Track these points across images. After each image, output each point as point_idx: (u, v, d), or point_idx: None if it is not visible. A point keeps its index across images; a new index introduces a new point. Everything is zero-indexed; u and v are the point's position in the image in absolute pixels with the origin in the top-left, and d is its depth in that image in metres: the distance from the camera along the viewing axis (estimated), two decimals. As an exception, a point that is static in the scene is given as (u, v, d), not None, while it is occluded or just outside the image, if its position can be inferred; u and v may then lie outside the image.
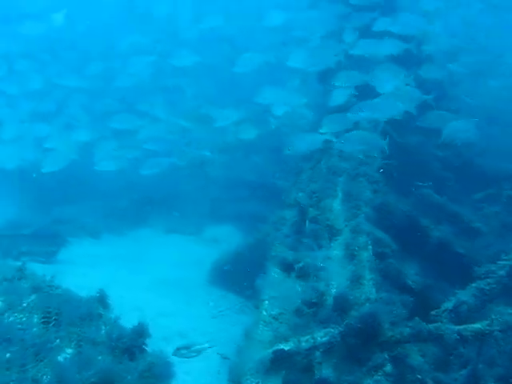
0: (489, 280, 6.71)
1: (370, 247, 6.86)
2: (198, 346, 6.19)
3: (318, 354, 5.71)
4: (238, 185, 12.79)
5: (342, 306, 6.05)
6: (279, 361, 5.67)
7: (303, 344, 5.70)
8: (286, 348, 5.67)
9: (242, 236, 11.15)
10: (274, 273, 6.52)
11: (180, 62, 12.00)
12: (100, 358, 5.08)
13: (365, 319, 5.63)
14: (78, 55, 14.32)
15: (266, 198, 11.30)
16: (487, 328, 5.95)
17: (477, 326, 6.00)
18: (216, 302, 9.58)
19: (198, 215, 12.52)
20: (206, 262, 10.55)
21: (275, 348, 5.67)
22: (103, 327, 5.45)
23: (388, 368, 5.96)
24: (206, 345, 6.17)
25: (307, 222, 7.22)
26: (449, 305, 6.60)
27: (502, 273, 6.73)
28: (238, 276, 9.68)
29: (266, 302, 6.18)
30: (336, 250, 6.96)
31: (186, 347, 6.11)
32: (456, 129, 8.23)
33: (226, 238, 11.45)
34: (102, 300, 5.69)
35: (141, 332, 5.23)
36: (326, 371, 5.75)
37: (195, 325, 8.70)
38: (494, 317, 6.06)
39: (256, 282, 6.57)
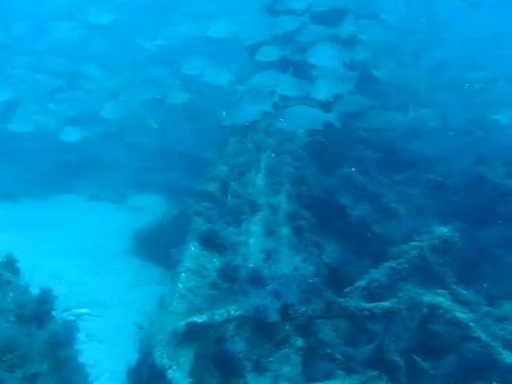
0: (401, 260, 6.92)
1: (289, 224, 6.94)
2: (77, 310, 6.13)
3: (231, 327, 5.75)
4: (167, 154, 12.61)
5: (258, 280, 6.10)
6: (192, 333, 5.67)
7: (217, 317, 5.72)
8: (200, 320, 5.68)
9: (167, 206, 11.03)
10: (193, 246, 6.48)
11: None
12: (7, 325, 4.95)
13: (277, 294, 5.72)
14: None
15: (194, 169, 11.21)
16: (395, 306, 6.18)
17: (386, 303, 6.22)
18: (136, 271, 9.48)
19: (124, 183, 12.26)
20: (128, 231, 10.41)
21: (189, 320, 5.67)
22: (11, 294, 5.28)
23: (299, 342, 6.11)
24: (85, 310, 6.10)
25: (229, 196, 7.21)
26: (362, 283, 6.79)
27: (413, 253, 6.96)
28: (161, 246, 9.60)
29: (183, 274, 6.16)
30: (256, 226, 7.00)
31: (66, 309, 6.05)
32: (423, 117, 8.50)
33: (151, 208, 11.29)
34: (10, 266, 5.48)
35: (48, 299, 5.09)
36: (238, 344, 5.82)
37: (112, 294, 8.60)
38: (401, 295, 6.31)
39: (173, 254, 6.51)
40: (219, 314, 5.75)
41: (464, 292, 7.04)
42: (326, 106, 8.11)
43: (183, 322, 5.64)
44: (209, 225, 6.71)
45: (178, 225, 9.03)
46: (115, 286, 8.80)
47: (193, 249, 6.43)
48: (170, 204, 10.95)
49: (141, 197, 11.99)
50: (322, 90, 8.00)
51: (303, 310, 6.02)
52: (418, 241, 7.05)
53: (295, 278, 6.20)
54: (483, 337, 5.95)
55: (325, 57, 8.54)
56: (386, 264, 6.92)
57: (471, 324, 6.06)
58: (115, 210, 11.52)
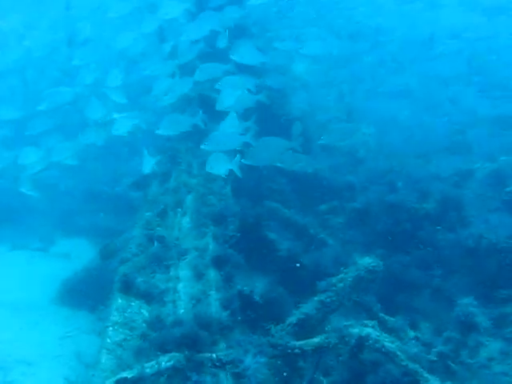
0: (329, 293, 7.05)
1: (217, 266, 6.94)
2: None
3: (162, 379, 5.66)
4: (92, 196, 12.36)
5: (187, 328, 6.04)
6: (123, 389, 5.54)
7: (147, 370, 5.61)
8: (130, 375, 5.55)
9: (95, 251, 10.77)
10: (120, 298, 6.36)
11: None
12: None
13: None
14: None
15: (121, 210, 11.05)
16: (325, 341, 6.28)
17: (316, 339, 6.30)
18: (65, 322, 9.17)
19: (48, 228, 11.90)
20: (54, 280, 10.08)
21: (118, 377, 5.53)
22: None
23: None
24: None
25: (155, 241, 7.14)
26: (293, 319, 6.86)
27: (340, 285, 7.10)
28: (90, 294, 9.37)
29: (110, 328, 6.02)
30: (184, 270, 6.96)
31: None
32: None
33: (78, 254, 11.00)
34: None
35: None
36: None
37: (40, 349, 8.28)
38: (330, 329, 6.42)
39: (99, 309, 6.37)
40: (150, 367, 5.65)
41: (391, 319, 7.26)
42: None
43: (112, 379, 5.49)
44: (135, 274, 6.60)
45: (108, 270, 8.83)
46: (43, 340, 8.47)
47: (119, 301, 6.31)
48: (97, 248, 10.70)
49: (67, 242, 11.65)
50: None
51: (235, 354, 6.00)
52: (344, 273, 7.21)
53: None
54: (411, 365, 6.12)
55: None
56: (315, 298, 7.03)
57: (398, 353, 6.23)
58: (40, 259, 11.12)
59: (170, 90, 8.62)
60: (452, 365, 6.65)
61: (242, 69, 8.93)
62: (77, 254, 10.98)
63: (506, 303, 7.29)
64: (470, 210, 9.07)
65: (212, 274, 6.86)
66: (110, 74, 10.12)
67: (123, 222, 10.41)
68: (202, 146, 7.57)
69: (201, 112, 8.20)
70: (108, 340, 5.90)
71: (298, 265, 8.42)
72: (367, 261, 7.20)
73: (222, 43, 8.97)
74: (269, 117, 9.05)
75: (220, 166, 7.18)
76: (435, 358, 6.70)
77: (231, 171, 7.33)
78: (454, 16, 14.54)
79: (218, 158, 7.25)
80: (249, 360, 5.86)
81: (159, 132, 8.02)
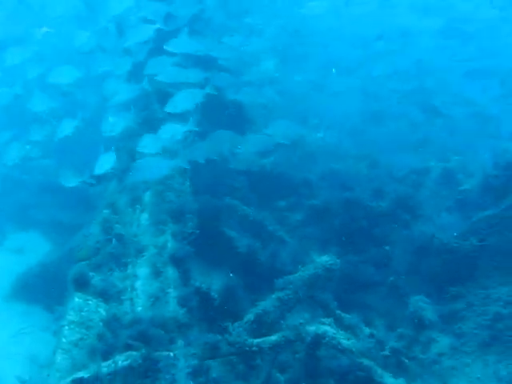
0: (287, 291, 7.14)
1: (175, 263, 6.93)
2: None
3: (119, 378, 5.63)
4: (50, 189, 12.10)
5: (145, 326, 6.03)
6: (78, 389, 5.50)
7: (104, 369, 5.59)
8: (86, 375, 5.52)
9: (50, 246, 10.60)
10: (76, 297, 6.29)
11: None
12: None
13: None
14: None
15: (80, 206, 10.86)
16: (282, 339, 6.37)
17: (273, 337, 6.39)
18: (19, 318, 9.00)
19: (2, 222, 11.60)
20: (9, 275, 9.86)
21: (74, 376, 5.49)
22: None
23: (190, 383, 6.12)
24: None
25: (113, 239, 7.07)
26: (250, 316, 6.92)
27: (298, 283, 7.20)
28: (46, 290, 9.22)
29: (66, 327, 5.95)
30: (142, 268, 6.92)
31: None
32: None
33: (33, 248, 10.77)
34: None
35: None
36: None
37: (-7, 347, 8.12)
38: (288, 327, 6.52)
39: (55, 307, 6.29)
40: (106, 366, 5.62)
41: (347, 316, 7.40)
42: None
43: (68, 380, 5.45)
44: (93, 272, 6.54)
45: (63, 266, 8.69)
46: (-5, 337, 8.31)
47: (76, 299, 6.24)
48: (53, 243, 10.52)
49: (21, 236, 11.37)
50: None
51: (193, 351, 6.04)
52: (302, 270, 7.31)
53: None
54: (365, 361, 6.28)
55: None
56: (273, 296, 7.11)
57: (354, 350, 6.38)
58: (-8, 253, 10.86)
59: (118, 93, 8.53)
60: (405, 360, 6.85)
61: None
62: (31, 249, 10.73)
63: (456, 300, 7.52)
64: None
65: (170, 272, 6.85)
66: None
67: (79, 217, 10.30)
68: (128, 178, 7.52)
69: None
70: (64, 339, 5.84)
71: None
72: (325, 259, 7.31)
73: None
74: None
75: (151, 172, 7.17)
76: (389, 354, 6.88)
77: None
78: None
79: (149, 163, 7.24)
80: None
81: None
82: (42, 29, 11.07)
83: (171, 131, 7.58)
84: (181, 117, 8.17)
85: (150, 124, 8.37)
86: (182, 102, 8.03)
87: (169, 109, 7.95)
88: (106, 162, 7.37)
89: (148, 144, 7.44)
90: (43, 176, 12.10)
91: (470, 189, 9.28)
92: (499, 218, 7.76)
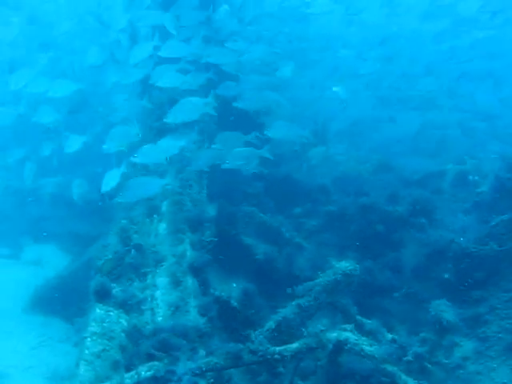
0: (307, 297, 7.08)
1: (194, 272, 6.92)
2: None
3: (142, 389, 5.61)
4: (64, 202, 12.14)
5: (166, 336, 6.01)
6: (102, 401, 5.49)
7: (127, 381, 5.57)
8: (109, 387, 5.50)
9: (68, 258, 10.63)
10: (98, 308, 6.28)
11: None
12: None
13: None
14: None
15: (94, 218, 10.88)
16: (303, 346, 6.32)
17: (295, 345, 6.34)
18: (38, 331, 9.02)
19: (18, 235, 11.66)
20: (27, 288, 9.89)
21: (97, 388, 5.47)
22: None
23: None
24: None
25: (132, 249, 7.08)
26: (271, 324, 6.88)
27: (318, 289, 7.15)
28: (64, 301, 9.25)
29: (88, 339, 5.94)
30: (161, 277, 6.91)
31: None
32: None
33: (51, 260, 10.81)
34: None
35: None
36: (151, 405, 5.69)
37: (13, 359, 8.12)
38: (309, 334, 6.47)
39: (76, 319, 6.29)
40: (129, 377, 5.60)
41: (368, 322, 7.34)
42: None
43: (92, 391, 5.44)
44: (113, 284, 6.54)
45: (81, 277, 8.70)
46: (15, 350, 8.31)
47: (98, 311, 6.23)
48: (71, 255, 10.56)
49: (38, 248, 11.42)
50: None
51: (215, 361, 6.00)
52: (321, 277, 7.25)
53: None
54: (388, 367, 6.22)
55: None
56: (293, 302, 7.06)
57: (376, 355, 6.32)
58: (11, 266, 10.89)
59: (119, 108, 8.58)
60: (428, 365, 6.77)
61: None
62: (49, 261, 10.77)
63: (479, 304, 7.44)
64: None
65: (190, 281, 6.83)
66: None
67: (95, 228, 10.32)
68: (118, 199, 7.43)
69: None
70: (86, 351, 5.82)
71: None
72: (344, 264, 7.26)
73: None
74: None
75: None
76: (412, 359, 6.81)
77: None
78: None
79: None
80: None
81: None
82: (48, 53, 11.20)
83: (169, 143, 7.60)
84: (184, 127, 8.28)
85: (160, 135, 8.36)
86: (184, 112, 8.05)
87: (169, 119, 7.98)
88: (111, 179, 7.39)
89: (145, 154, 7.45)
90: (56, 189, 12.11)
91: (485, 191, 9.21)
92: (517, 223, 7.69)
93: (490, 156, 10.11)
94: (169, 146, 7.58)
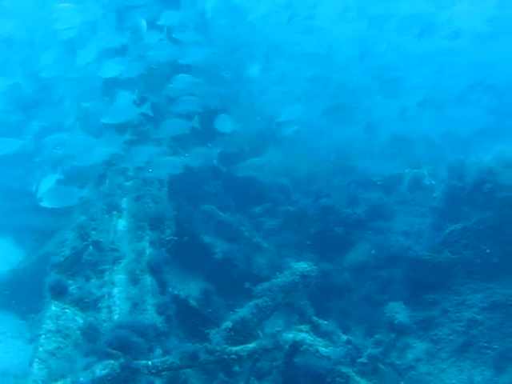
0: (265, 298, 7.12)
1: (154, 271, 6.88)
2: None
3: (97, 388, 5.55)
4: (20, 195, 11.85)
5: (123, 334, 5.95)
6: (55, 400, 5.40)
7: (81, 379, 5.49)
8: (63, 386, 5.42)
9: (23, 252, 10.39)
10: (53, 305, 6.18)
11: None
12: None
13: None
14: None
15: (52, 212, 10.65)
16: (260, 347, 6.36)
17: (252, 345, 6.38)
18: (-10, 326, 8.80)
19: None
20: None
21: (51, 387, 5.39)
22: None
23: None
24: None
25: (90, 246, 6.98)
26: (228, 323, 6.89)
27: (276, 290, 7.19)
28: (18, 296, 9.04)
29: (43, 336, 5.84)
30: (120, 275, 6.85)
31: None
32: None
33: (4, 255, 10.54)
34: None
35: None
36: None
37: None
38: (266, 334, 6.53)
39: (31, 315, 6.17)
40: (84, 376, 5.53)
41: (324, 322, 7.44)
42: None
43: (45, 390, 5.35)
44: (70, 281, 6.44)
45: (37, 272, 8.53)
46: (-34, 346, 8.11)
47: (53, 308, 6.12)
48: (26, 249, 10.32)
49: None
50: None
51: (171, 360, 5.99)
52: (279, 277, 7.30)
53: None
54: (343, 368, 6.32)
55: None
56: (251, 303, 7.09)
57: (332, 357, 6.42)
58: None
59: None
60: (382, 366, 6.92)
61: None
62: (2, 256, 10.50)
63: (431, 307, 7.64)
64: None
65: (148, 279, 6.78)
66: None
67: (52, 223, 10.10)
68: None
69: None
70: (40, 349, 5.73)
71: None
72: (302, 265, 7.32)
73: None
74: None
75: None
76: (366, 360, 6.94)
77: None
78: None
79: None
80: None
81: None
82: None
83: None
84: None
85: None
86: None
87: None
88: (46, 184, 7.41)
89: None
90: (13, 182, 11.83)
91: (440, 197, 9.41)
92: (471, 231, 7.91)
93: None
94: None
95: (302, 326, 6.72)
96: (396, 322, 7.23)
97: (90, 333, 6.02)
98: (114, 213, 7.55)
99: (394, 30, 12.86)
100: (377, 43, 12.94)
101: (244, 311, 6.97)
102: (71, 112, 9.39)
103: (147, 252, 7.11)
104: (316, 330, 7.02)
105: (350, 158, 11.28)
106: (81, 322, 6.14)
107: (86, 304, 6.36)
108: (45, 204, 7.02)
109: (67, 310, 6.16)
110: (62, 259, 6.90)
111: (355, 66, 12.76)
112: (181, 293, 7.32)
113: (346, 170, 11.08)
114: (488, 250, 7.62)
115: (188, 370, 6.29)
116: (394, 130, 12.32)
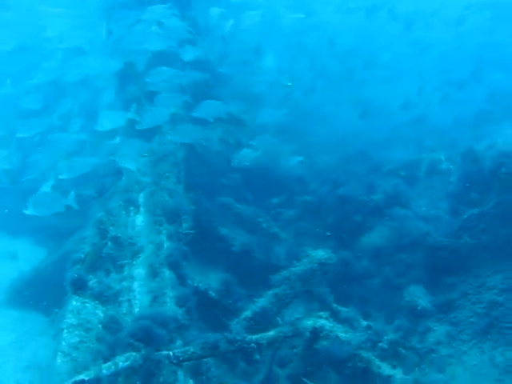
0: (284, 286, 7.17)
1: (172, 264, 6.95)
2: None
3: (120, 379, 5.64)
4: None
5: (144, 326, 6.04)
6: (80, 392, 5.50)
7: (104, 371, 5.59)
8: (87, 378, 5.52)
9: (43, 251, 10.55)
10: (74, 300, 6.28)
11: None
12: None
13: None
14: None
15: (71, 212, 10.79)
16: (280, 334, 6.41)
17: (271, 333, 6.43)
18: (15, 324, 8.95)
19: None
20: (2, 282, 9.80)
21: (75, 379, 5.48)
22: None
23: (190, 382, 6.14)
24: None
25: (108, 241, 7.08)
26: (248, 313, 6.96)
27: (294, 278, 7.23)
28: (41, 295, 9.18)
29: (65, 330, 5.95)
30: (139, 269, 6.93)
31: None
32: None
33: (26, 254, 10.72)
34: None
35: None
36: (129, 395, 5.73)
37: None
38: (285, 322, 6.57)
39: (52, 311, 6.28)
40: (107, 368, 5.63)
41: (344, 309, 7.47)
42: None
43: (69, 382, 5.45)
44: (90, 276, 6.54)
45: (58, 270, 8.66)
46: (-7, 344, 8.26)
47: (74, 303, 6.23)
48: (47, 248, 10.48)
49: (13, 243, 11.29)
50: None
51: (192, 350, 6.06)
52: (297, 266, 7.34)
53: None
54: (363, 353, 6.34)
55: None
56: (270, 292, 7.14)
57: (352, 342, 6.44)
58: (-14, 260, 10.76)
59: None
60: (402, 350, 6.92)
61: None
62: (25, 254, 10.67)
63: (451, 289, 7.59)
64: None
65: (167, 272, 6.85)
66: None
67: (73, 221, 10.23)
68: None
69: None
70: (63, 343, 5.84)
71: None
72: (320, 253, 7.35)
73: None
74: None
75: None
76: (386, 345, 6.95)
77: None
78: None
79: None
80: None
81: None
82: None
83: None
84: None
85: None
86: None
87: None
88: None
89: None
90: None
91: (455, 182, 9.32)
92: (489, 216, 7.84)
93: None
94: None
95: (321, 313, 6.76)
96: (419, 308, 7.21)
97: (112, 326, 6.11)
98: (131, 208, 7.63)
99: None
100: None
101: (263, 300, 7.04)
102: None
103: (165, 246, 7.17)
104: (336, 316, 7.06)
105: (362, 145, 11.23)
106: (101, 315, 6.22)
107: (105, 298, 6.45)
108: (29, 212, 7.13)
109: (88, 304, 6.26)
110: (83, 255, 7.00)
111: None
112: (200, 285, 7.37)
113: (360, 157, 11.02)
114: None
115: (210, 359, 6.35)
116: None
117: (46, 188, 7.82)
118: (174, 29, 8.96)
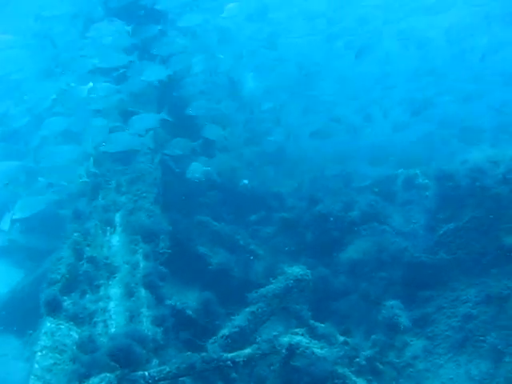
0: (260, 304, 7.16)
1: (149, 283, 6.94)
2: None
3: (94, 401, 5.60)
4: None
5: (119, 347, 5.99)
6: (53, 416, 5.44)
7: (78, 394, 5.54)
8: (61, 400, 5.47)
9: (21, 272, 10.45)
10: (48, 321, 6.23)
11: None
12: None
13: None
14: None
15: (49, 229, 10.73)
16: (257, 352, 6.40)
17: (247, 350, 6.42)
18: (-11, 348, 8.83)
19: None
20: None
21: (48, 402, 5.43)
22: None
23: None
24: None
25: (84, 262, 7.05)
26: (225, 331, 6.93)
27: (270, 296, 7.23)
28: (17, 316, 9.08)
29: (39, 353, 5.89)
30: (115, 288, 6.90)
31: None
32: None
33: (3, 275, 10.59)
34: None
35: None
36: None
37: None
38: (262, 339, 6.56)
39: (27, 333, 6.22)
40: (81, 390, 5.58)
41: (321, 325, 7.46)
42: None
43: (42, 405, 5.39)
44: (64, 296, 6.50)
45: (35, 291, 8.58)
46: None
47: (48, 324, 6.18)
48: (25, 269, 10.38)
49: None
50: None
51: (167, 370, 6.02)
52: (273, 283, 7.34)
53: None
54: (339, 369, 6.35)
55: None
56: (247, 309, 7.13)
57: (328, 358, 6.45)
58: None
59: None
60: (380, 366, 6.94)
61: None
62: (1, 276, 10.55)
63: (427, 304, 7.66)
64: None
65: (143, 292, 6.83)
66: None
67: (49, 242, 10.16)
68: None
69: None
70: (36, 365, 5.77)
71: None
72: (296, 270, 7.37)
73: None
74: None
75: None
76: (363, 360, 6.96)
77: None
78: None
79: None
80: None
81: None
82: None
83: None
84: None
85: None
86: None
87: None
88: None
89: None
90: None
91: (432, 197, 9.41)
92: (464, 231, 7.96)
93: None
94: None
95: (297, 330, 6.76)
96: (393, 321, 7.25)
97: (86, 347, 6.06)
98: (108, 228, 7.61)
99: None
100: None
101: (240, 318, 7.02)
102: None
103: (141, 265, 7.16)
104: (312, 332, 7.05)
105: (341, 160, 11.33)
106: (76, 337, 6.18)
107: (81, 319, 6.41)
108: (17, 215, 7.22)
109: (62, 326, 6.21)
110: (58, 276, 6.96)
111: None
112: (177, 304, 7.35)
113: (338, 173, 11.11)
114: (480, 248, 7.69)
115: (186, 378, 6.31)
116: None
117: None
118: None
